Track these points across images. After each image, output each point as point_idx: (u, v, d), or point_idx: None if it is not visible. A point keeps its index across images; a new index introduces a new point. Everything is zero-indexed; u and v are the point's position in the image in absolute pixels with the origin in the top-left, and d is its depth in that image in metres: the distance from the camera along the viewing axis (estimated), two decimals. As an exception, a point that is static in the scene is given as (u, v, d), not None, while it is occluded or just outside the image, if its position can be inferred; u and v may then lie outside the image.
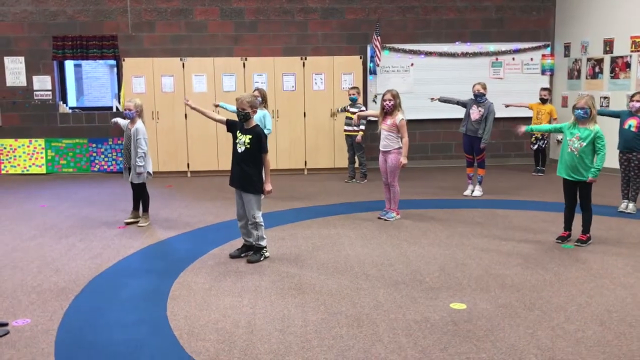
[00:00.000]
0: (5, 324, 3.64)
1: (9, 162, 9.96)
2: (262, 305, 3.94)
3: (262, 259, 4.94)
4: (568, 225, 5.44)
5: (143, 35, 9.95)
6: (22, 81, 9.98)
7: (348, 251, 5.22)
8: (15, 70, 9.93)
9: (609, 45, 9.23)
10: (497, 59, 10.32)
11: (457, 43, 10.26)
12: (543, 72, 10.36)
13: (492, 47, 10.29)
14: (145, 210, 6.30)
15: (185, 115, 9.54)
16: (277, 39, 10.10)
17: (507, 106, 9.36)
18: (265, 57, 9.80)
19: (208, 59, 9.64)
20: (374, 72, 10.04)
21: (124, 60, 9.55)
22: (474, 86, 7.43)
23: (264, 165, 4.90)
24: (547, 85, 10.12)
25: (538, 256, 5.00)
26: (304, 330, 3.54)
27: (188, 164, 9.71)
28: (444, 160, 10.53)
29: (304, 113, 9.70)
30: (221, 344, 3.38)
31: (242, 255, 5.04)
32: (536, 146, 9.41)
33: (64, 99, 10.37)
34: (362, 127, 8.65)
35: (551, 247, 5.26)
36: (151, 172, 6.24)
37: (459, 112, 7.89)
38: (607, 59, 9.28)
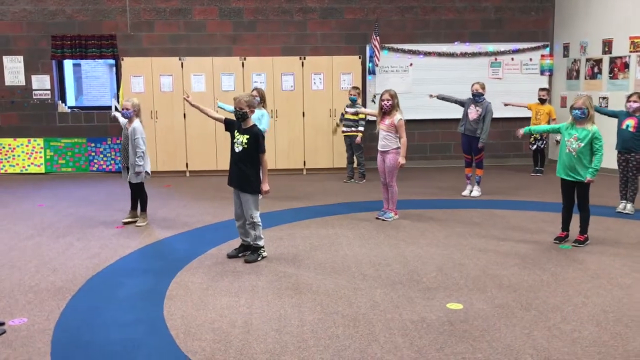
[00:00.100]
0: (2, 324, 3.64)
1: (8, 162, 9.96)
2: (258, 305, 3.94)
3: (259, 258, 4.95)
4: (566, 226, 5.44)
5: (142, 35, 9.95)
6: (20, 80, 9.98)
7: (346, 251, 5.22)
8: (14, 69, 9.94)
9: (607, 45, 9.23)
10: (496, 59, 10.32)
11: (456, 43, 10.27)
12: (542, 73, 10.37)
13: (491, 47, 10.29)
14: (143, 210, 6.30)
15: (184, 114, 9.54)
16: (276, 39, 10.10)
17: (506, 105, 9.36)
18: (264, 56, 9.80)
19: (207, 58, 9.64)
20: (373, 72, 10.05)
21: (122, 59, 9.55)
22: (472, 86, 7.43)
23: (261, 166, 4.90)
24: (546, 86, 10.12)
25: (535, 256, 5.00)
26: (301, 330, 3.54)
27: (187, 164, 9.71)
28: (443, 160, 10.53)
29: (303, 113, 9.70)
30: (217, 343, 3.38)
31: (240, 255, 5.04)
32: (535, 146, 9.42)
33: (63, 98, 10.37)
34: (361, 128, 8.66)
35: (549, 248, 5.27)
36: (149, 172, 6.24)
37: (457, 112, 7.88)
38: (605, 59, 9.28)
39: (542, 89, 9.41)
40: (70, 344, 3.41)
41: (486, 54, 10.29)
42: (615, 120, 6.68)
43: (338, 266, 4.79)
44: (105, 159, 10.07)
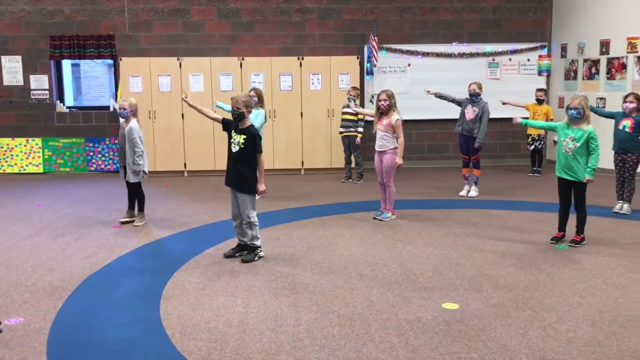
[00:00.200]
0: (-2, 323, 3.65)
1: (6, 161, 9.96)
2: (255, 305, 3.95)
3: (256, 258, 4.95)
4: (562, 226, 5.46)
5: (140, 35, 9.96)
6: (19, 80, 9.98)
7: (343, 251, 5.23)
8: (13, 69, 9.94)
9: (605, 46, 9.25)
10: (494, 59, 10.34)
11: (454, 44, 10.28)
12: (540, 73, 10.39)
13: (489, 47, 10.31)
14: (141, 209, 6.31)
15: (182, 114, 9.54)
16: (274, 39, 10.11)
17: (504, 104, 9.37)
18: (262, 57, 9.80)
19: (205, 58, 9.65)
20: (370, 73, 10.06)
21: (121, 59, 9.56)
22: (469, 85, 7.45)
23: (258, 166, 4.91)
24: (544, 86, 10.13)
25: (532, 256, 5.01)
26: (296, 330, 3.55)
27: (185, 164, 9.72)
28: (441, 160, 10.54)
29: (301, 113, 9.71)
30: (213, 343, 3.39)
31: (237, 254, 5.05)
32: (532, 147, 9.43)
33: (61, 98, 10.37)
34: (360, 128, 8.67)
35: (545, 248, 5.28)
36: (147, 172, 6.24)
37: (455, 112, 7.89)
38: (603, 59, 9.30)
39: (539, 90, 9.43)
40: (67, 343, 3.42)
41: (484, 54, 10.31)
42: (611, 121, 6.70)
43: (335, 266, 4.80)
44: (103, 158, 10.07)
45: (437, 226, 6.10)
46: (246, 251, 5.01)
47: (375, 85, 10.05)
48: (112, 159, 9.99)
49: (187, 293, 4.20)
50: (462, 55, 10.27)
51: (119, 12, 9.89)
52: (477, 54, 10.30)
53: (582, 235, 5.36)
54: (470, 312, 3.79)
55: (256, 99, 7.12)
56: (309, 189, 8.40)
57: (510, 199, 7.48)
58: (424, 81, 10.02)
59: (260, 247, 5.02)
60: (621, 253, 5.10)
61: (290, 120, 9.71)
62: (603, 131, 6.48)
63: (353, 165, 8.95)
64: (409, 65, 10.25)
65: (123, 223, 6.26)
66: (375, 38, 9.71)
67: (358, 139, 8.65)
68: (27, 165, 9.99)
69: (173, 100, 9.44)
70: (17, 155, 9.97)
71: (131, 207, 6.35)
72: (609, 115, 6.83)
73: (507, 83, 10.29)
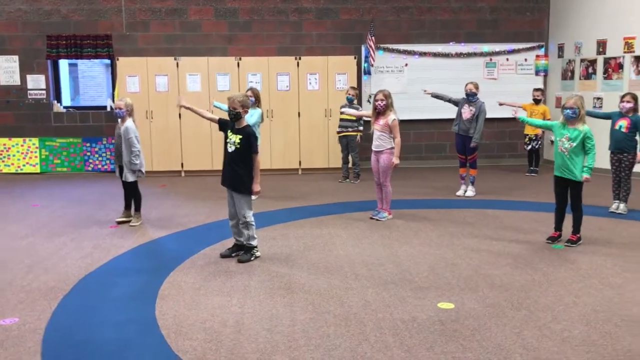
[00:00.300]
0: (-7, 323, 3.65)
1: (3, 162, 9.95)
2: (250, 305, 3.95)
3: (252, 258, 4.95)
4: (558, 226, 5.46)
5: (137, 35, 9.95)
6: (16, 80, 9.97)
7: (339, 251, 5.23)
8: (9, 69, 9.93)
9: (602, 46, 9.26)
10: (491, 59, 10.35)
11: (451, 43, 10.29)
12: (537, 73, 10.40)
13: (486, 47, 10.32)
14: (137, 209, 6.30)
15: (180, 114, 9.54)
16: (271, 39, 10.11)
17: (501, 104, 9.38)
18: (259, 56, 9.81)
19: (202, 58, 9.65)
20: (368, 73, 10.06)
21: (118, 59, 9.55)
22: (466, 85, 7.45)
23: (253, 166, 4.90)
24: (541, 86, 10.14)
25: (528, 256, 5.02)
26: (292, 330, 3.55)
27: (182, 164, 9.71)
28: (438, 160, 10.55)
29: (298, 113, 9.71)
30: (208, 343, 3.38)
31: (233, 254, 5.04)
32: (530, 147, 9.44)
33: (58, 98, 10.37)
34: (361, 127, 8.68)
35: (541, 248, 5.28)
36: (143, 171, 6.24)
37: (453, 112, 7.88)
38: (600, 59, 9.31)
39: (536, 90, 9.44)
40: (62, 343, 3.41)
41: (481, 54, 10.32)
42: (607, 121, 6.71)
43: (331, 266, 4.80)
44: (100, 158, 10.06)
45: (433, 226, 6.11)
46: (242, 251, 5.01)
47: (372, 85, 10.05)
48: (109, 159, 9.98)
49: (182, 293, 4.19)
50: (459, 55, 10.28)
51: (116, 11, 9.88)
52: (475, 54, 10.31)
53: (578, 235, 5.36)
54: (466, 312, 3.80)
55: (253, 99, 7.11)
56: (307, 188, 8.41)
57: (507, 199, 7.48)
58: (421, 81, 10.03)
59: (256, 247, 5.02)
60: (617, 253, 5.11)
61: (287, 120, 9.71)
62: (599, 131, 6.49)
63: (350, 165, 8.96)
64: (406, 65, 10.25)
65: (119, 223, 6.26)
66: (373, 38, 9.71)
67: (358, 138, 8.67)
68: (24, 165, 9.98)
69: (170, 100, 9.43)
70: (14, 155, 9.96)
71: (128, 207, 6.35)
72: (605, 117, 6.84)
73: (505, 83, 10.30)
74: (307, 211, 6.87)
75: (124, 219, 6.30)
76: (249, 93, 7.20)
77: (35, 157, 9.99)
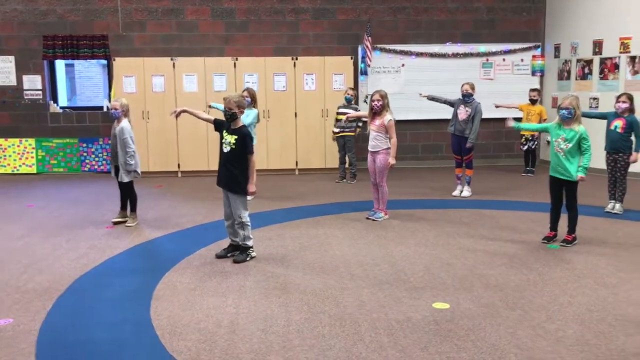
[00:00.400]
0: (-12, 324, 3.64)
1: (-1, 162, 9.94)
2: (245, 305, 3.95)
3: (248, 259, 4.95)
4: (554, 226, 5.47)
5: (134, 35, 9.94)
6: (12, 80, 9.96)
7: (335, 251, 5.23)
8: (5, 69, 9.91)
9: (598, 46, 9.28)
10: (487, 59, 10.36)
11: (448, 44, 10.30)
12: (533, 73, 10.41)
13: (482, 48, 10.33)
14: (133, 210, 6.30)
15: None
16: (268, 39, 10.10)
17: (497, 107, 9.39)
18: (256, 57, 9.80)
19: (199, 58, 9.64)
20: (365, 73, 10.07)
21: (114, 59, 9.54)
22: (462, 86, 7.46)
23: (248, 166, 4.90)
24: (537, 86, 10.16)
25: (523, 256, 5.03)
26: (286, 330, 3.55)
27: (179, 164, 9.70)
28: (435, 160, 10.56)
29: (295, 113, 9.71)
30: (202, 343, 3.38)
31: (229, 255, 5.04)
32: (526, 147, 9.45)
33: (55, 98, 10.35)
34: (360, 123, 8.69)
35: (537, 247, 5.29)
36: (139, 172, 6.23)
37: (449, 113, 7.89)
38: (596, 60, 9.33)
39: (533, 90, 9.45)
40: (56, 344, 3.41)
41: (478, 54, 10.33)
42: (603, 121, 6.72)
43: (326, 266, 4.80)
44: (97, 159, 10.05)
45: (429, 226, 6.11)
46: (238, 251, 5.00)
47: (369, 85, 10.06)
48: (106, 160, 9.97)
49: (177, 293, 4.19)
50: (455, 55, 10.29)
51: (113, 12, 9.87)
52: (471, 54, 10.32)
53: (574, 235, 5.37)
54: (461, 312, 3.80)
55: (249, 99, 7.11)
56: (303, 189, 8.40)
57: (503, 199, 7.49)
58: (418, 81, 10.04)
59: (252, 247, 5.02)
60: (612, 252, 5.12)
61: (284, 120, 9.70)
62: (595, 131, 6.50)
63: (347, 165, 8.96)
64: (403, 65, 10.26)
65: (115, 223, 6.25)
66: (369, 38, 9.72)
67: (358, 131, 8.75)
68: (20, 166, 9.96)
69: (167, 100, 9.43)
70: (10, 156, 9.94)
71: (124, 207, 6.34)
72: (601, 117, 6.85)
73: (501, 83, 10.31)
74: (304, 211, 6.87)
75: (120, 220, 6.30)
76: (245, 93, 7.19)
77: (32, 157, 9.97)
